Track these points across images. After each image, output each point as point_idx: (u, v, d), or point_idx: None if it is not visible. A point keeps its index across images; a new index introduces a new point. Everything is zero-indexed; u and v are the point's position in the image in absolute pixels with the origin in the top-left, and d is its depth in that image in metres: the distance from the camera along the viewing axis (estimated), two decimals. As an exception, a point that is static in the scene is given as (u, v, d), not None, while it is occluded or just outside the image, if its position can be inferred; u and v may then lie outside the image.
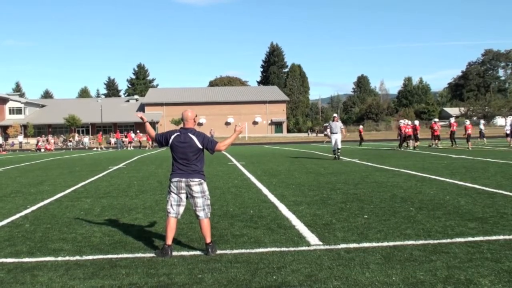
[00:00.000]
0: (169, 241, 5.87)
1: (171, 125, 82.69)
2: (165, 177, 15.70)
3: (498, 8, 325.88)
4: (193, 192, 5.91)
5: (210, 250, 5.84)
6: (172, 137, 6.06)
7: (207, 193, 6.02)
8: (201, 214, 5.93)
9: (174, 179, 5.98)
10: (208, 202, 6.02)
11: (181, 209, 6.02)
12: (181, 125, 6.24)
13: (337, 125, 21.53)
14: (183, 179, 5.92)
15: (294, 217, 8.04)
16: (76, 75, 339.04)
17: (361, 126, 45.15)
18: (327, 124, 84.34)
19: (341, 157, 21.90)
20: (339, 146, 21.56)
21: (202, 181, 5.98)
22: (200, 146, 5.96)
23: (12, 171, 20.85)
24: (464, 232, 6.67)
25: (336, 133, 21.41)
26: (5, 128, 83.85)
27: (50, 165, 24.20)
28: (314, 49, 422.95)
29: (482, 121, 39.42)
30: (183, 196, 5.98)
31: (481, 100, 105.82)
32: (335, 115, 22.49)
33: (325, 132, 22.22)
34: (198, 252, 5.96)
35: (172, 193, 6.00)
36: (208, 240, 5.90)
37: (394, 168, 16.36)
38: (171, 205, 5.99)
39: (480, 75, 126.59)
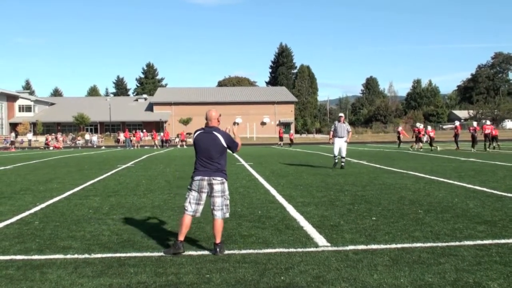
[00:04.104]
0: (181, 237, 5.89)
1: (179, 124, 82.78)
2: (173, 176, 15.76)
3: (509, 11, 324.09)
4: (213, 191, 5.94)
5: (218, 250, 5.86)
6: (196, 134, 6.15)
7: (227, 193, 6.05)
8: (218, 214, 5.95)
9: (196, 177, 6.00)
10: (227, 202, 6.05)
11: (200, 208, 6.04)
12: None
13: (344, 127, 17.48)
14: (206, 178, 5.94)
15: (302, 218, 8.04)
16: (86, 74, 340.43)
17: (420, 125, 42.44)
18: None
19: (349, 159, 21.13)
20: (344, 154, 17.50)
21: (224, 180, 6.02)
22: (225, 145, 6.03)
23: (21, 168, 20.98)
24: (472, 235, 6.64)
25: (342, 137, 17.38)
26: (14, 125, 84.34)
27: (59, 163, 24.32)
28: (323, 50, 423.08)
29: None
30: (204, 195, 6.00)
31: (490, 103, 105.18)
32: (341, 114, 18.28)
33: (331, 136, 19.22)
34: (206, 252, 5.97)
35: (193, 191, 6.02)
36: (218, 240, 5.92)
37: (402, 170, 16.31)
38: (189, 202, 6.01)
39: (489, 78, 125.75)
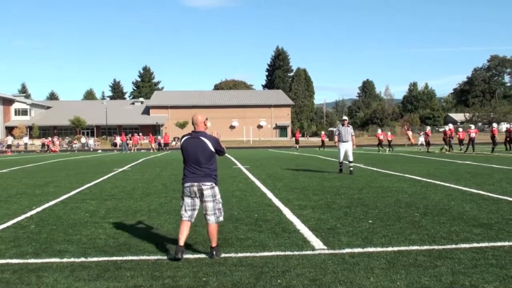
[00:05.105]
0: (180, 243, 5.85)
1: (176, 128, 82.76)
2: (169, 180, 15.74)
3: (505, 13, 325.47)
4: (204, 196, 5.91)
5: (214, 253, 5.85)
6: (183, 140, 6.10)
7: (218, 197, 6.02)
8: (211, 218, 5.94)
9: (186, 184, 5.97)
10: (220, 206, 6.03)
11: (195, 213, 6.03)
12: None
13: (349, 131, 16.84)
14: (195, 184, 5.91)
15: (298, 221, 8.04)
16: (82, 77, 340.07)
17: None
18: (332, 129, 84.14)
19: (345, 162, 20.48)
20: (351, 159, 16.86)
21: (214, 185, 5.98)
22: (213, 150, 5.98)
23: (17, 172, 20.93)
24: (469, 238, 6.65)
25: (346, 141, 16.79)
26: (10, 129, 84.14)
27: (55, 167, 24.27)
28: (319, 53, 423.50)
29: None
30: (197, 200, 5.98)
31: (486, 106, 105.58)
32: (345, 118, 17.64)
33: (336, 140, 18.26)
34: (202, 255, 5.97)
35: (185, 197, 6.01)
36: (214, 244, 5.91)
37: (398, 173, 16.33)
38: (185, 210, 6.00)
39: (485, 81, 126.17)
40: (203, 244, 6.47)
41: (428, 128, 37.70)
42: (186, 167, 6.02)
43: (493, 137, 31.25)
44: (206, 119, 6.21)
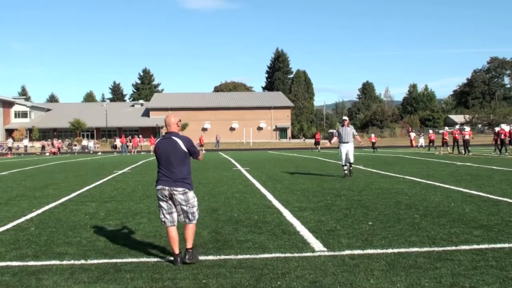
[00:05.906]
0: (176, 250, 5.75)
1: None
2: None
3: (504, 16, 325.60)
4: (176, 202, 5.79)
5: (187, 256, 5.68)
6: (156, 142, 5.99)
7: (191, 201, 5.82)
8: (186, 220, 5.84)
9: (158, 187, 5.83)
10: (193, 210, 5.84)
11: (175, 215, 5.87)
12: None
13: (349, 131, 16.06)
14: (167, 187, 5.76)
15: (298, 223, 8.04)
16: (82, 80, 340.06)
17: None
18: (332, 130, 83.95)
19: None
20: (351, 160, 16.02)
21: (187, 190, 5.79)
22: (185, 149, 5.81)
23: (17, 174, 20.92)
24: (469, 239, 6.65)
25: (347, 142, 15.97)
26: (10, 131, 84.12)
27: (55, 169, 24.27)
28: (319, 55, 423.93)
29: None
30: (171, 201, 5.85)
31: (486, 108, 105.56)
32: (345, 118, 16.85)
33: (332, 141, 17.86)
34: (202, 257, 5.95)
35: (161, 202, 5.87)
36: (189, 245, 5.76)
37: (398, 175, 16.32)
38: (163, 214, 5.87)
39: (485, 83, 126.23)
40: (203, 247, 6.47)
41: (446, 129, 37.66)
42: (159, 170, 5.88)
43: (500, 138, 31.24)
44: (179, 120, 6.09)
